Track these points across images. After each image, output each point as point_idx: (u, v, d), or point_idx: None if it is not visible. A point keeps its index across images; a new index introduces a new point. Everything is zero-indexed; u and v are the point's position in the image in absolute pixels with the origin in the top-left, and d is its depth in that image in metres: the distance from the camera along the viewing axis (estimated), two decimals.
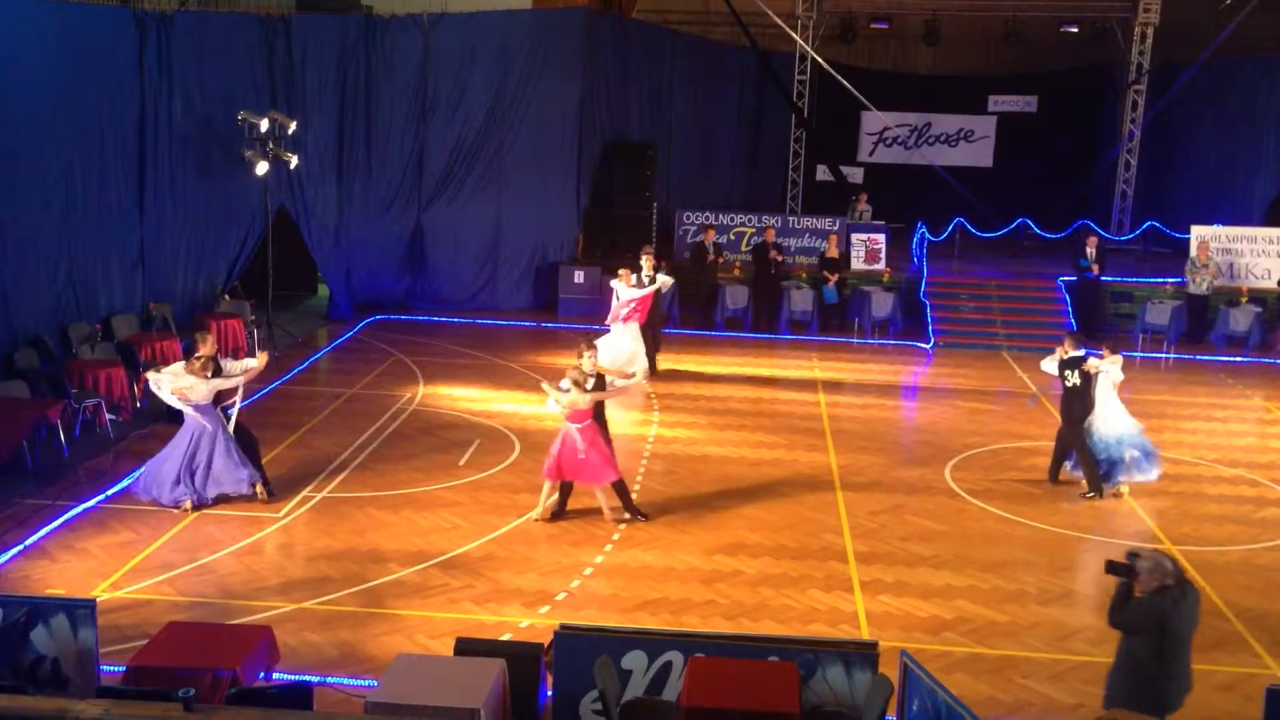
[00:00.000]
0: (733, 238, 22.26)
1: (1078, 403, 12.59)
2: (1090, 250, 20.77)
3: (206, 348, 11.68)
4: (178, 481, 11.34)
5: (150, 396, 14.91)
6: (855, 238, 22.08)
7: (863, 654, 7.47)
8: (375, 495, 12.08)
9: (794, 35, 24.43)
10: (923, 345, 20.08)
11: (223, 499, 11.54)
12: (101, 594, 9.48)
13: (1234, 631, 9.60)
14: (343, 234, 20.88)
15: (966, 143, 27.66)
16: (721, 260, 21.31)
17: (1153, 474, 12.60)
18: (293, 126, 18.38)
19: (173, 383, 11.31)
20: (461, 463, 13.19)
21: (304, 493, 12.05)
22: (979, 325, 20.56)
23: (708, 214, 22.47)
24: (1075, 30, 25.19)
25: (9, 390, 12.97)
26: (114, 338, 15.86)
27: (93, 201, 16.36)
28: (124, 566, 10.13)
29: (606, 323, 17.12)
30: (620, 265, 21.19)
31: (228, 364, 11.92)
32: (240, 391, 11.84)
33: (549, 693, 7.85)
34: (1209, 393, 17.50)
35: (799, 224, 22.64)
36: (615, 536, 11.16)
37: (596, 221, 22.58)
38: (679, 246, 22.22)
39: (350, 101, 20.57)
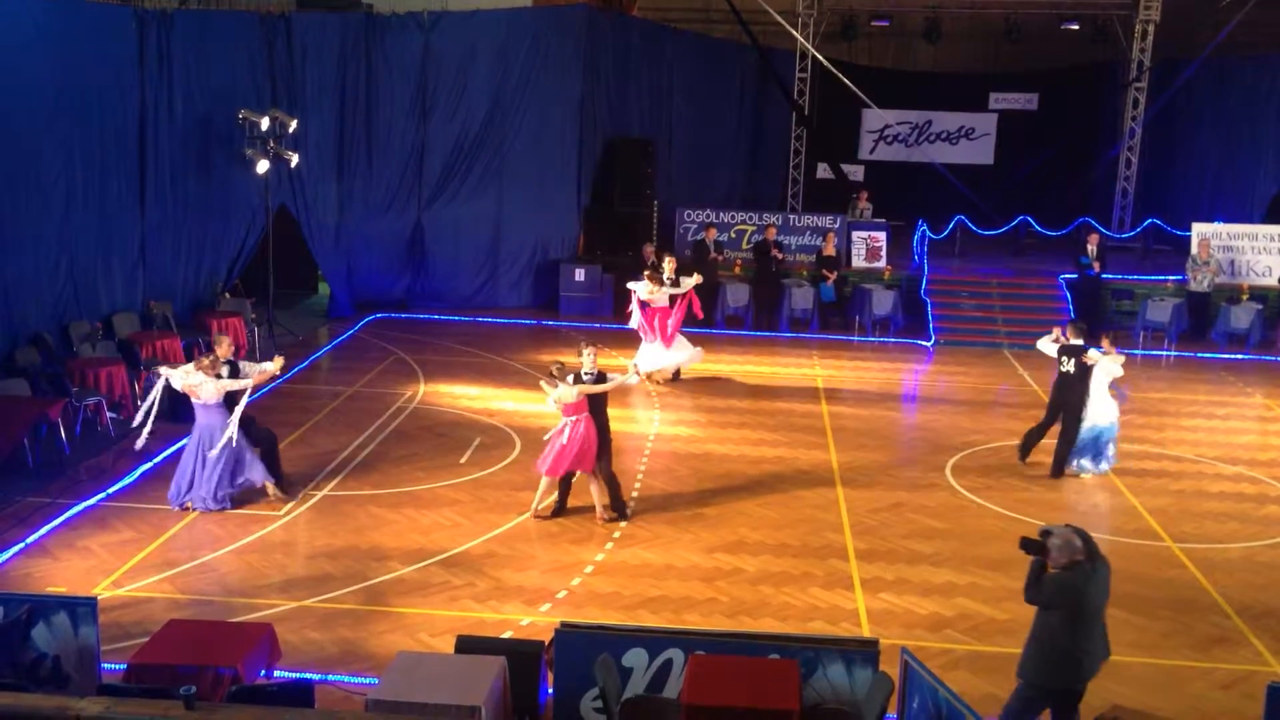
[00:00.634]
0: (733, 236, 22.26)
1: (1070, 390, 12.82)
2: (1091, 248, 20.77)
3: (222, 349, 11.73)
4: (191, 484, 11.38)
5: (149, 393, 15.03)
6: (856, 235, 22.08)
7: (863, 651, 7.47)
8: (376, 493, 12.09)
9: (794, 33, 24.43)
10: (924, 343, 20.09)
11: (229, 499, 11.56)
12: (102, 592, 9.49)
13: (1235, 629, 9.61)
14: (343, 232, 20.88)
15: (967, 140, 27.64)
16: (722, 258, 21.31)
17: (1103, 466, 13.17)
18: (293, 125, 18.38)
19: (183, 379, 11.33)
20: (462, 461, 13.19)
21: (305, 491, 12.06)
22: (980, 323, 20.55)
23: (708, 212, 22.47)
24: (1076, 27, 25.17)
25: (10, 388, 12.98)
26: (115, 336, 15.87)
27: (93, 200, 16.36)
28: (125, 564, 10.14)
29: (633, 326, 16.80)
30: (621, 263, 21.36)
31: (245, 366, 11.93)
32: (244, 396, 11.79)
33: (550, 690, 7.86)
34: (1210, 390, 17.50)
35: (800, 222, 22.63)
36: (616, 534, 11.17)
37: (597, 219, 22.58)
38: (680, 244, 22.22)
39: (351, 100, 20.57)
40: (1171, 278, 21.12)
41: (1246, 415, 16.37)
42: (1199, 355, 19.64)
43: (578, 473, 11.45)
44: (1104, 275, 20.91)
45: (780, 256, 21.07)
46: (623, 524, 11.36)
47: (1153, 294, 20.72)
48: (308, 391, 16.03)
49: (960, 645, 9.19)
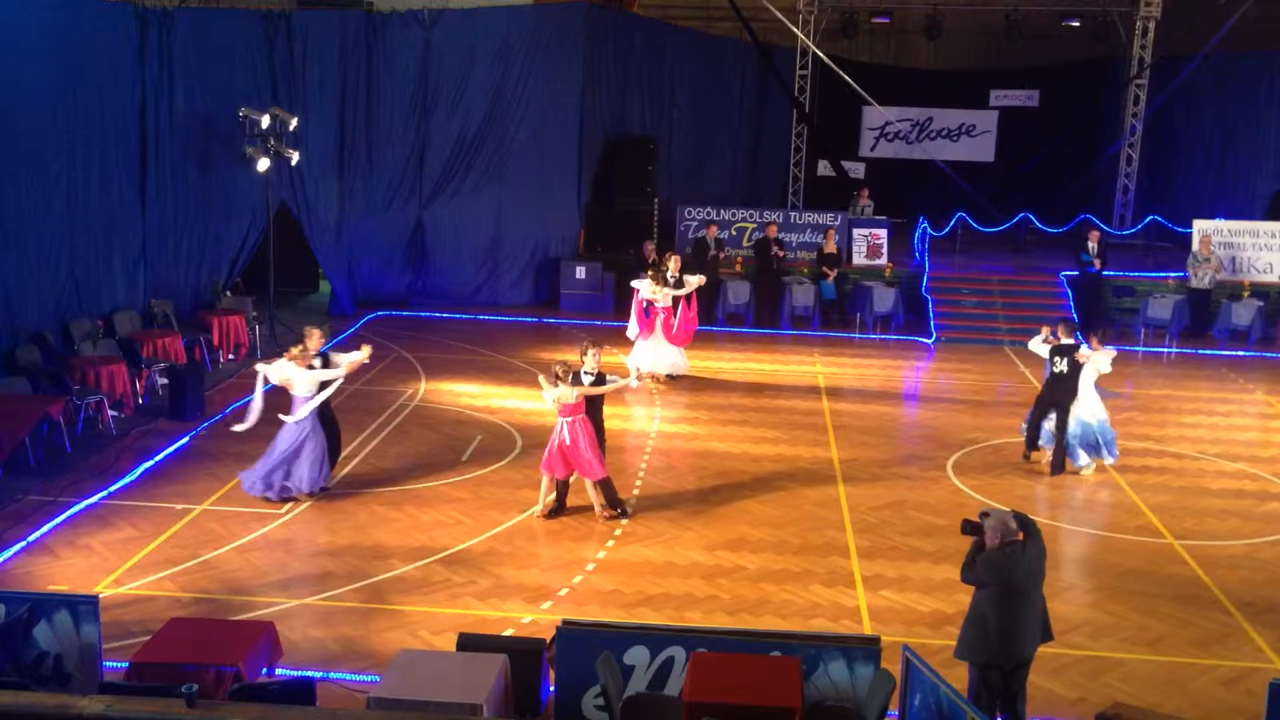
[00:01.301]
0: (734, 233, 22.25)
1: (1062, 389, 12.93)
2: (1092, 245, 20.76)
3: (313, 341, 11.85)
4: (271, 474, 11.50)
5: (150, 393, 15.07)
6: (857, 233, 22.07)
7: (865, 649, 7.48)
8: (377, 491, 12.09)
9: (795, 30, 24.40)
10: (924, 340, 20.08)
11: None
12: (104, 590, 9.49)
13: (1237, 626, 9.60)
14: (344, 230, 20.87)
15: (968, 137, 27.61)
16: (723, 256, 21.30)
17: (1108, 458, 13.18)
18: (294, 123, 18.37)
19: (279, 373, 11.49)
20: (464, 458, 13.19)
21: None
22: (981, 320, 20.54)
23: (709, 209, 22.45)
24: (1077, 24, 25.14)
25: (11, 387, 12.98)
26: (116, 334, 15.87)
27: (94, 198, 16.36)
28: (127, 562, 10.14)
29: (639, 333, 16.63)
30: (622, 261, 21.35)
31: (335, 357, 12.05)
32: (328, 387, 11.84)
33: (551, 688, 7.86)
34: (1211, 387, 17.50)
35: (801, 219, 22.61)
36: (617, 532, 11.17)
37: (598, 217, 22.57)
38: (680, 242, 22.20)
39: (351, 97, 20.55)
40: (1173, 274, 21.12)
41: (1248, 412, 16.37)
42: (1200, 352, 19.63)
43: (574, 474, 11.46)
44: (1105, 272, 20.90)
45: (781, 254, 21.06)
46: (624, 522, 11.37)
47: (1154, 291, 20.72)
48: None
49: None
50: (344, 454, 13.14)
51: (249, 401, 11.96)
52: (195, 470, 12.50)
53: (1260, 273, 21.01)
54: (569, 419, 11.20)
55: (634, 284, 16.75)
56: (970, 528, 7.53)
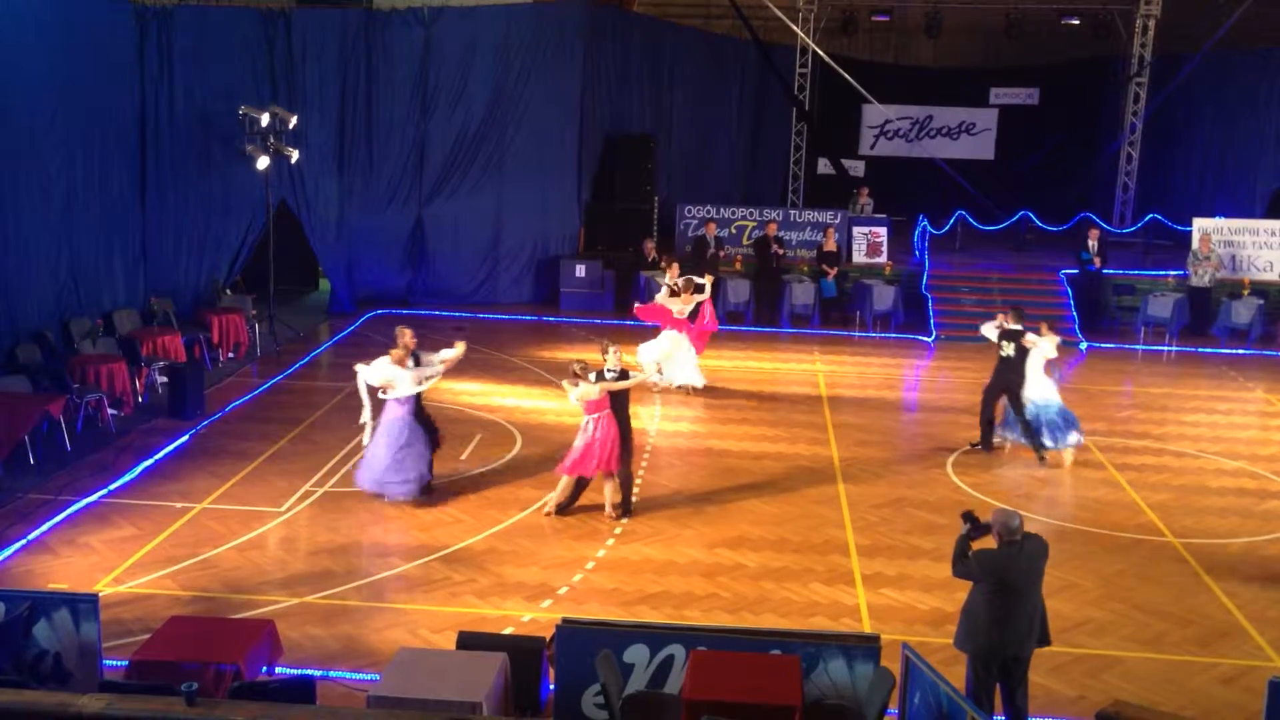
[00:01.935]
0: (734, 231, 22.24)
1: (1010, 372, 13.38)
2: (1092, 243, 20.76)
3: (405, 340, 11.92)
4: (390, 471, 11.53)
5: (150, 391, 15.07)
6: (857, 231, 22.06)
7: (865, 647, 7.47)
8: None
9: (795, 28, 24.39)
10: (924, 338, 20.07)
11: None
12: (104, 589, 9.49)
13: (1236, 624, 9.61)
14: (344, 228, 20.86)
15: (968, 135, 27.63)
16: (723, 254, 21.30)
17: (1078, 438, 13.35)
18: (293, 121, 18.36)
19: (380, 375, 11.57)
20: (463, 457, 13.18)
21: (306, 487, 12.07)
22: (980, 319, 20.41)
23: (709, 208, 22.44)
24: (1076, 23, 25.13)
25: (11, 385, 12.97)
26: (115, 332, 15.86)
27: (94, 196, 16.35)
28: (126, 561, 10.14)
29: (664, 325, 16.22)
30: (622, 259, 21.35)
31: (425, 355, 12.13)
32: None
33: (551, 686, 7.86)
34: (1211, 385, 17.49)
35: (800, 217, 22.61)
36: (617, 531, 11.17)
37: (598, 215, 22.56)
38: (680, 240, 22.21)
39: (351, 96, 20.54)
40: (1172, 273, 21.11)
41: (1247, 410, 16.37)
42: (1200, 350, 19.63)
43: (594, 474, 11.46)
44: (1105, 270, 20.91)
45: (781, 252, 21.05)
46: (624, 520, 11.37)
47: (1154, 289, 20.71)
48: (309, 388, 16.03)
49: None
50: (343, 452, 13.15)
51: (363, 408, 11.96)
52: (195, 469, 12.50)
53: (1260, 271, 21.01)
54: (594, 415, 11.22)
55: (660, 301, 15.99)
56: (970, 519, 7.57)
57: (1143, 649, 9.16)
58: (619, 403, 11.45)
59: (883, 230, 22.07)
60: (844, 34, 25.70)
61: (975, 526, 7.56)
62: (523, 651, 7.85)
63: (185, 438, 13.51)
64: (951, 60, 27.46)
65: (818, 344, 19.64)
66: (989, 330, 13.78)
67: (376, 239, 21.18)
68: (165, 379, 14.94)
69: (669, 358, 15.97)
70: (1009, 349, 13.37)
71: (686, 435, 14.37)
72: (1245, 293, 20.45)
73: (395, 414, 11.61)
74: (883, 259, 21.84)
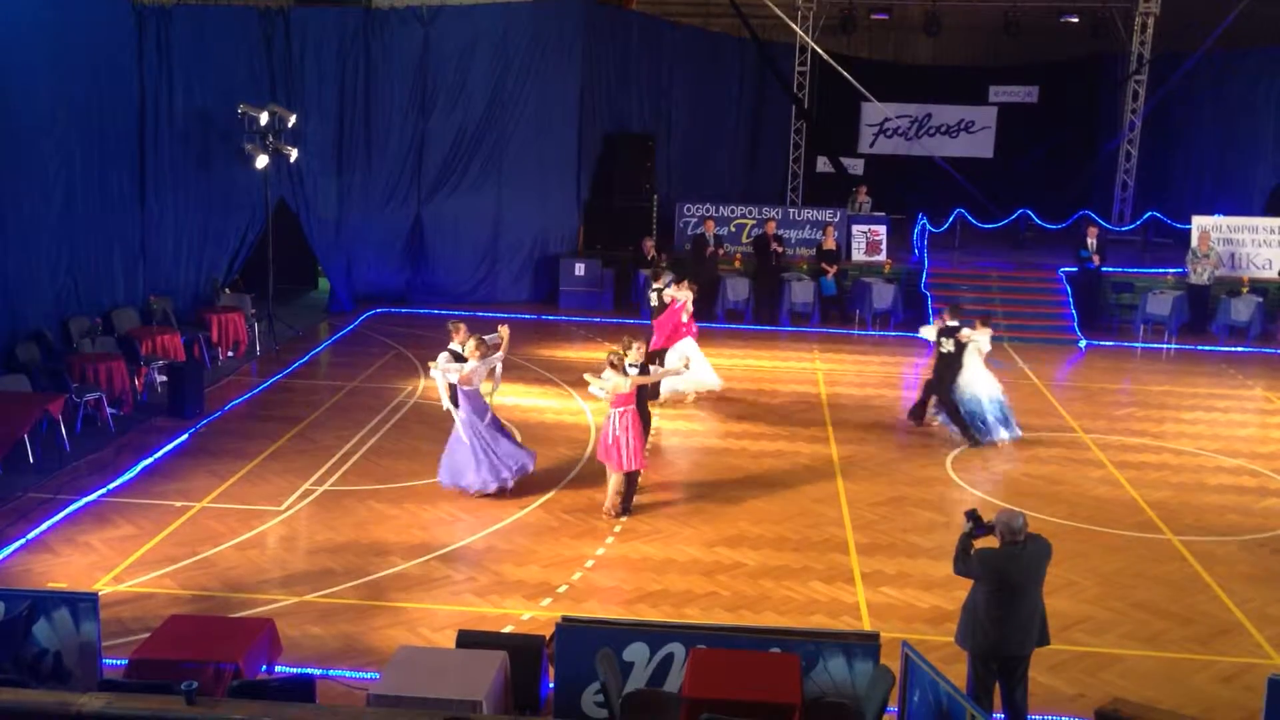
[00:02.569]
0: (733, 229, 22.24)
1: (948, 367, 13.98)
2: (1091, 241, 20.76)
3: (461, 334, 12.12)
4: (479, 467, 11.64)
5: (149, 390, 15.06)
6: (856, 229, 22.06)
7: (864, 645, 7.48)
8: (377, 488, 12.09)
9: (794, 26, 24.38)
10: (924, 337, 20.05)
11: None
12: (103, 587, 9.49)
13: (1235, 622, 9.61)
14: (343, 227, 20.85)
15: (967, 133, 27.62)
16: (722, 252, 21.29)
17: (1015, 432, 14.06)
18: (292, 119, 18.33)
19: (458, 370, 11.69)
20: None
21: (305, 486, 12.06)
22: (980, 316, 20.46)
23: (708, 206, 22.44)
24: (1075, 20, 25.12)
25: (10, 384, 12.96)
26: (115, 331, 15.86)
27: (93, 195, 16.33)
28: (126, 560, 10.14)
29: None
30: (621, 257, 21.32)
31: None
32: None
33: (551, 685, 7.86)
34: (1210, 383, 17.49)
35: (799, 216, 22.61)
36: (616, 529, 11.17)
37: (597, 213, 22.55)
38: (679, 238, 22.20)
39: (350, 94, 20.53)
40: (1171, 270, 21.11)
41: (1247, 408, 16.37)
42: (1199, 348, 19.63)
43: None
44: (1104, 268, 20.90)
45: (780, 250, 21.05)
46: (623, 518, 11.37)
47: (1153, 287, 20.69)
48: (308, 386, 16.03)
49: None
50: (343, 450, 13.15)
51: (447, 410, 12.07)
52: (194, 467, 12.50)
53: (1259, 268, 21.00)
54: (621, 409, 11.25)
55: (675, 294, 15.55)
56: (974, 518, 7.58)
57: (1142, 647, 9.16)
58: (640, 396, 11.58)
59: (882, 228, 22.07)
60: (843, 32, 25.66)
61: (978, 525, 7.56)
62: (522, 650, 7.85)
63: (184, 437, 13.51)
64: (950, 58, 27.45)
65: (817, 342, 19.64)
66: (928, 332, 14.44)
67: (375, 237, 21.18)
68: (164, 378, 14.94)
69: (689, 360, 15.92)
70: (948, 345, 13.91)
71: (685, 433, 14.37)
72: (1244, 290, 20.44)
73: (474, 406, 11.79)
74: (882, 257, 21.84)
